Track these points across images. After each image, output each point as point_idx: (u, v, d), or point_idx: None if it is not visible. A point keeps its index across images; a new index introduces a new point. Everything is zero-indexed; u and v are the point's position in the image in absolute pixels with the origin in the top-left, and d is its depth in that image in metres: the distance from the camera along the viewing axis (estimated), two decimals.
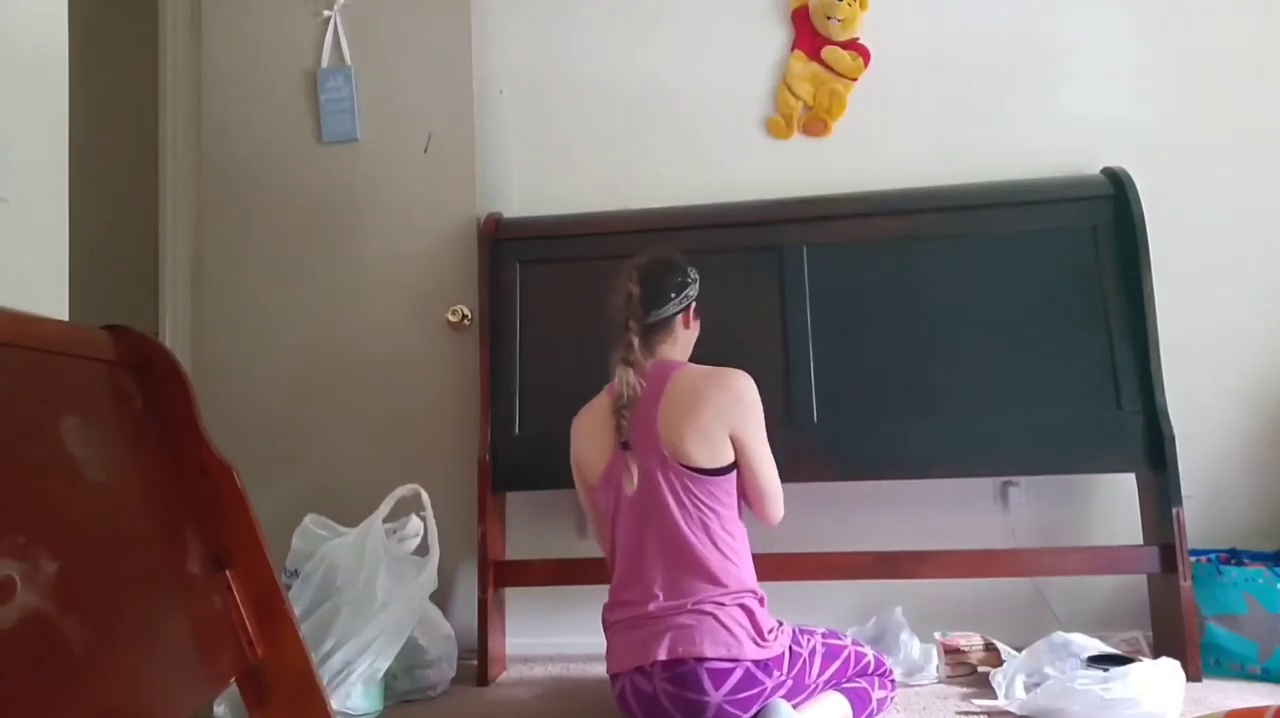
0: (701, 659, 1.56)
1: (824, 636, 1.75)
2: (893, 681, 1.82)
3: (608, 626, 1.75)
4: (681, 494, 1.67)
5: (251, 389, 2.59)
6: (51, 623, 1.01)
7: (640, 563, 1.70)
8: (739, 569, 1.68)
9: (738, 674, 1.56)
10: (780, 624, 1.68)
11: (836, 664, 1.71)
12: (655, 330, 1.80)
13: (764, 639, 1.61)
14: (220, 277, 2.67)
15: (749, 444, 1.73)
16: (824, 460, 2.10)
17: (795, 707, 1.62)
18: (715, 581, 1.64)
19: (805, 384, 2.25)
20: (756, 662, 1.58)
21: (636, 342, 1.78)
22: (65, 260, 1.67)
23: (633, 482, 1.70)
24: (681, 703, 1.57)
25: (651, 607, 1.65)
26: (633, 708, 1.65)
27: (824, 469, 2.14)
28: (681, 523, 1.66)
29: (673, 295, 1.81)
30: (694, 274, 1.87)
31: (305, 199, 2.63)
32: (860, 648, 1.78)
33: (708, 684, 1.56)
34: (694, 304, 1.86)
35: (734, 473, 1.72)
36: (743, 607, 1.63)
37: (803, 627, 1.74)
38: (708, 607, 1.61)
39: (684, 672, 1.57)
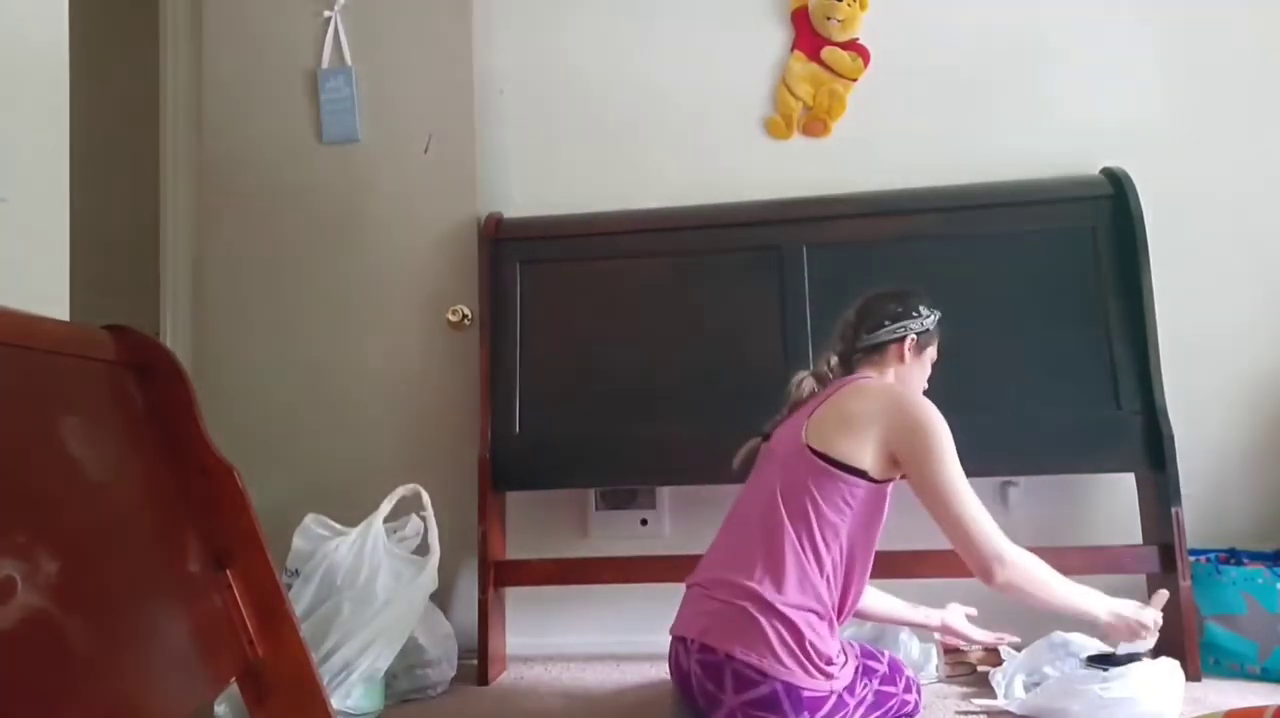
0: (730, 657, 1.47)
1: (881, 680, 1.62)
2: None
3: (687, 585, 1.68)
4: (792, 476, 1.56)
5: (252, 389, 2.59)
6: (52, 623, 1.01)
7: (725, 537, 1.66)
8: (815, 580, 1.51)
9: (763, 691, 1.44)
10: (846, 661, 1.54)
11: (878, 716, 1.60)
12: (861, 354, 1.72)
13: (812, 666, 1.46)
14: (220, 277, 2.67)
15: (920, 467, 1.54)
16: None
17: None
18: (778, 583, 1.49)
19: None
20: (790, 687, 1.44)
21: (835, 360, 1.73)
22: (65, 260, 1.67)
23: (760, 471, 1.67)
24: (705, 692, 1.51)
25: (703, 582, 1.59)
26: (673, 676, 1.61)
27: None
28: (781, 503, 1.54)
29: (887, 322, 1.72)
30: (925, 310, 1.75)
31: (305, 199, 2.64)
32: (907, 696, 1.67)
33: (729, 684, 1.46)
34: (914, 337, 1.73)
35: (866, 485, 1.55)
36: (794, 621, 1.47)
37: (869, 662, 1.63)
38: (751, 605, 1.48)
39: (713, 661, 1.49)
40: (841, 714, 1.50)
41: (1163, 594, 1.72)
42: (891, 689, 1.63)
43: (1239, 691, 1.97)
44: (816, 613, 1.50)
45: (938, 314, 1.78)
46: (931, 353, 1.79)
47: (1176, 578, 2.05)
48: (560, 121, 2.72)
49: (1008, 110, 2.54)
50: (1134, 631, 1.64)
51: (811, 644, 1.47)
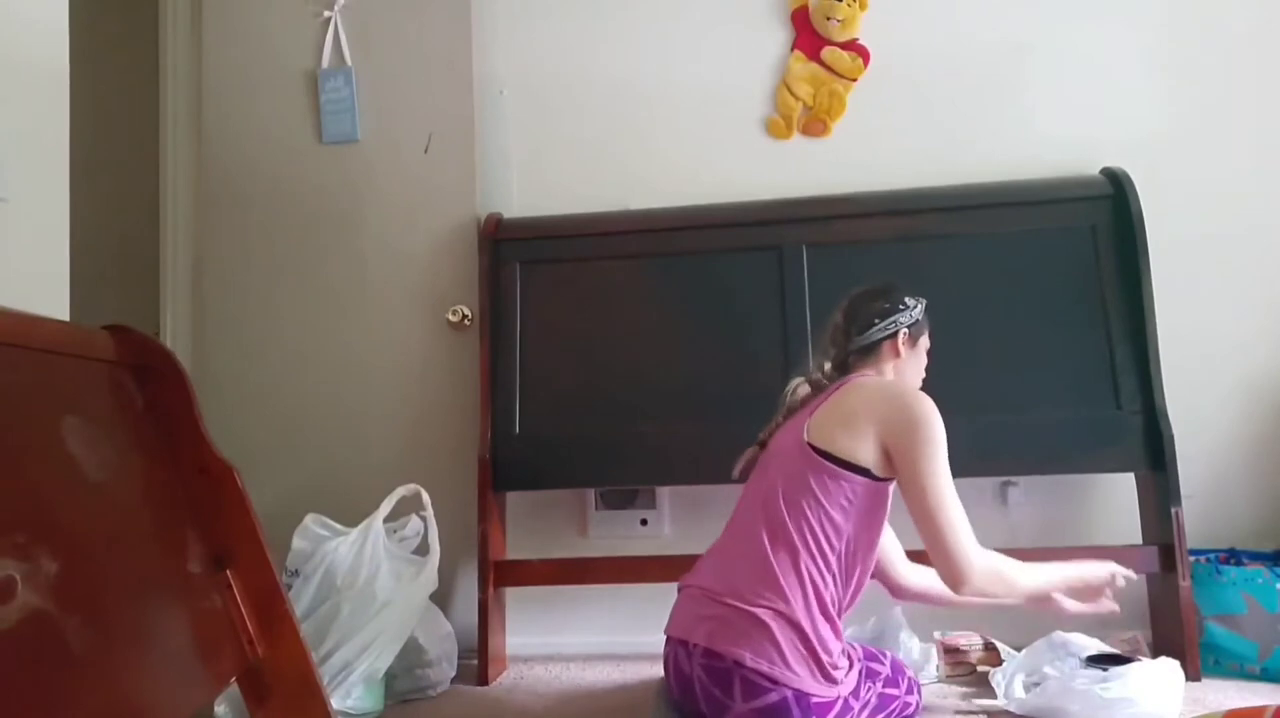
0: (740, 664, 1.44)
1: (885, 682, 1.61)
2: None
3: (679, 586, 1.67)
4: (793, 475, 1.54)
5: (252, 389, 2.59)
6: (52, 623, 1.01)
7: (727, 539, 1.64)
8: (820, 582, 1.49)
9: (772, 699, 1.42)
10: (851, 665, 1.53)
11: None
12: (856, 356, 1.71)
13: (820, 672, 1.46)
14: (220, 277, 2.67)
15: (909, 463, 1.52)
16: None
17: None
18: (782, 588, 1.47)
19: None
20: (800, 694, 1.42)
21: (829, 365, 1.71)
22: (65, 260, 1.67)
23: (760, 474, 1.64)
24: (709, 698, 1.48)
25: (707, 585, 1.56)
26: (670, 679, 1.58)
27: None
28: (783, 504, 1.52)
29: (877, 320, 1.71)
30: (910, 302, 1.75)
31: (305, 199, 2.64)
32: (909, 698, 1.65)
33: (737, 691, 1.44)
34: (906, 331, 1.72)
35: (866, 483, 1.53)
36: (801, 626, 1.45)
37: (873, 665, 1.62)
38: (761, 609, 1.46)
39: (720, 668, 1.46)
40: (847, 716, 1.49)
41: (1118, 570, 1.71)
42: (894, 692, 1.63)
43: (1239, 691, 1.97)
44: (822, 616, 1.49)
45: (924, 302, 1.78)
46: (925, 342, 1.78)
47: (1176, 578, 2.06)
48: (560, 121, 2.72)
49: (1008, 110, 2.54)
50: (1096, 592, 1.66)
51: (819, 650, 1.46)
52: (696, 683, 1.51)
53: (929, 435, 1.53)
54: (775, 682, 1.42)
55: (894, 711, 1.63)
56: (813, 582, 1.49)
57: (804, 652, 1.45)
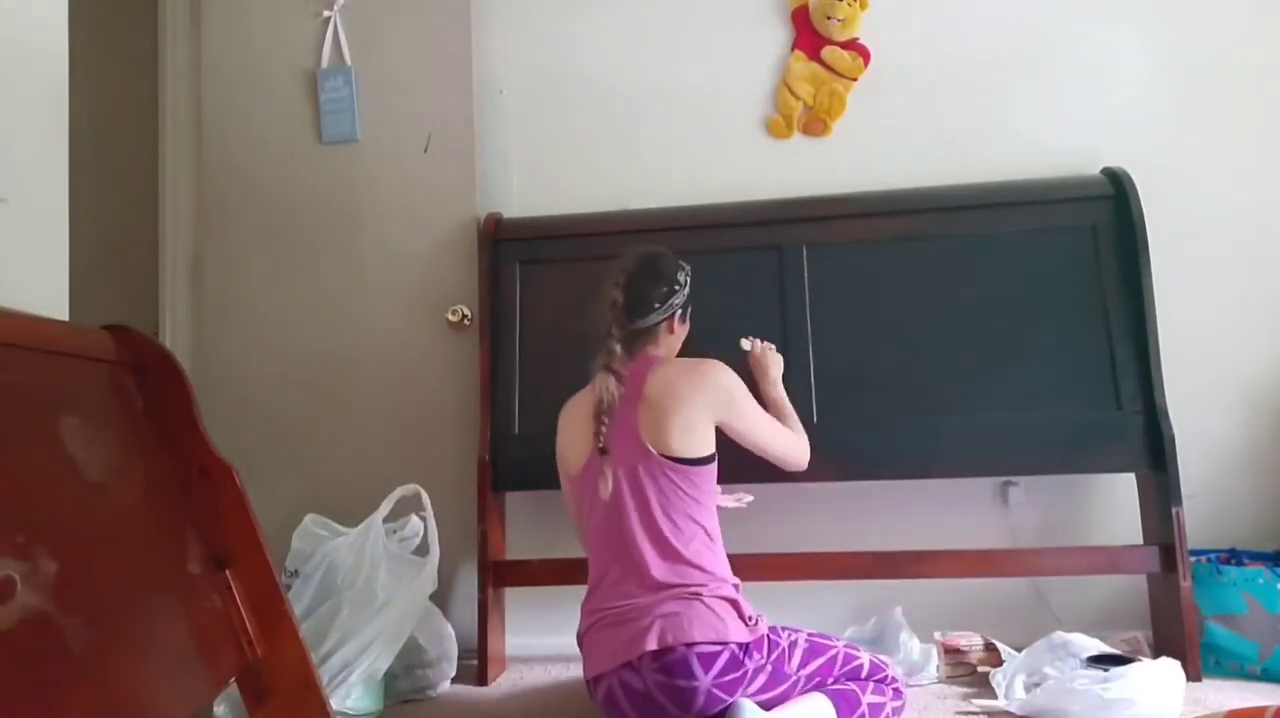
0: (691, 644, 1.56)
1: (809, 634, 1.72)
2: (897, 689, 1.72)
3: (585, 629, 1.72)
4: (664, 485, 1.69)
5: (251, 389, 2.59)
6: (51, 623, 1.01)
7: (622, 558, 1.69)
8: (719, 558, 1.71)
9: (724, 658, 1.56)
10: (760, 615, 1.68)
11: (820, 661, 1.67)
12: (638, 337, 1.83)
13: (746, 623, 1.63)
14: (220, 277, 2.67)
15: (745, 424, 1.81)
16: (824, 460, 2.10)
17: (773, 705, 1.60)
18: (701, 568, 1.66)
19: (805, 384, 2.25)
20: (740, 644, 1.59)
21: (619, 349, 1.80)
22: (65, 260, 1.67)
23: (607, 487, 1.72)
24: (673, 692, 1.55)
25: (640, 599, 1.64)
26: (623, 708, 1.61)
27: (824, 469, 2.14)
28: (662, 514, 1.68)
29: (656, 305, 1.83)
30: (683, 278, 1.88)
31: (305, 199, 2.64)
32: (852, 651, 1.72)
33: (697, 669, 1.55)
34: (680, 311, 1.88)
35: (714, 464, 1.75)
36: (724, 595, 1.64)
37: (786, 626, 1.72)
38: (694, 593, 1.62)
39: (673, 660, 1.56)
40: (777, 652, 1.64)
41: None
42: (826, 642, 1.72)
43: (1239, 691, 1.96)
44: (733, 583, 1.69)
45: (688, 270, 1.90)
46: (689, 312, 1.92)
47: (1177, 578, 2.05)
48: (560, 121, 2.72)
49: (1008, 110, 2.54)
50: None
51: (743, 607, 1.64)
52: (654, 690, 1.56)
53: (742, 396, 1.81)
54: (723, 643, 1.58)
55: (834, 658, 1.70)
56: (718, 558, 1.71)
57: (733, 609, 1.63)
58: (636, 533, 1.68)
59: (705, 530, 1.71)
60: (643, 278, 1.85)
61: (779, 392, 2.09)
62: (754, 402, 1.85)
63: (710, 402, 1.75)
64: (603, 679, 1.63)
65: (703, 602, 1.61)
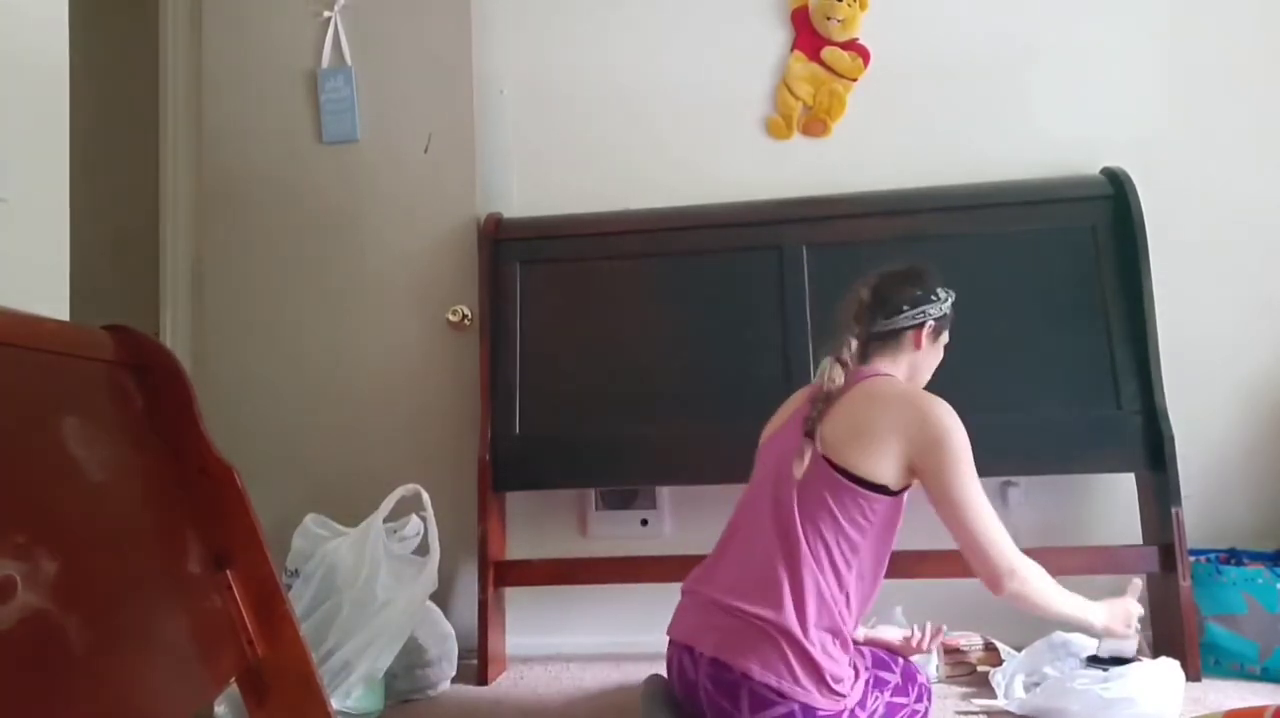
0: (748, 677, 1.41)
1: (893, 691, 1.55)
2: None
3: (684, 589, 1.62)
4: (811, 487, 1.49)
5: (252, 389, 2.59)
6: (52, 623, 1.01)
7: (739, 546, 1.57)
8: (833, 601, 1.46)
9: (780, 712, 1.40)
10: (857, 676, 1.49)
11: None
12: (877, 341, 1.63)
13: (827, 687, 1.42)
14: (220, 277, 2.67)
15: (939, 481, 1.48)
16: None
17: None
18: (794, 601, 1.44)
19: (805, 384, 2.24)
20: (807, 708, 1.41)
21: (855, 344, 1.62)
22: (65, 260, 1.67)
23: (802, 466, 1.50)
24: (715, 708, 1.47)
25: (717, 595, 1.51)
26: (674, 682, 1.55)
27: None
28: (799, 523, 1.47)
29: (905, 308, 1.62)
30: (942, 293, 1.67)
31: (305, 199, 2.64)
32: (917, 707, 1.58)
33: (745, 703, 1.41)
34: (933, 323, 1.65)
35: (886, 500, 1.49)
36: (813, 642, 1.43)
37: (881, 673, 1.56)
38: (769, 625, 1.43)
39: (728, 679, 1.44)
40: None
41: (1137, 584, 1.68)
42: (903, 700, 1.58)
43: (1239, 691, 1.97)
44: (832, 634, 1.46)
45: (953, 295, 1.69)
46: (945, 338, 1.70)
47: (1177, 578, 2.06)
48: (560, 121, 2.72)
49: (1008, 110, 2.54)
50: (1127, 623, 1.63)
51: (826, 665, 1.43)
52: (702, 691, 1.49)
53: (956, 452, 1.49)
54: (783, 696, 1.40)
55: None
56: (823, 599, 1.45)
57: (811, 667, 1.42)
58: (765, 527, 1.52)
59: (835, 562, 1.46)
60: (897, 278, 1.66)
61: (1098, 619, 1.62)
62: (971, 463, 1.50)
63: (907, 427, 1.49)
64: (673, 645, 1.56)
65: (776, 639, 1.42)
